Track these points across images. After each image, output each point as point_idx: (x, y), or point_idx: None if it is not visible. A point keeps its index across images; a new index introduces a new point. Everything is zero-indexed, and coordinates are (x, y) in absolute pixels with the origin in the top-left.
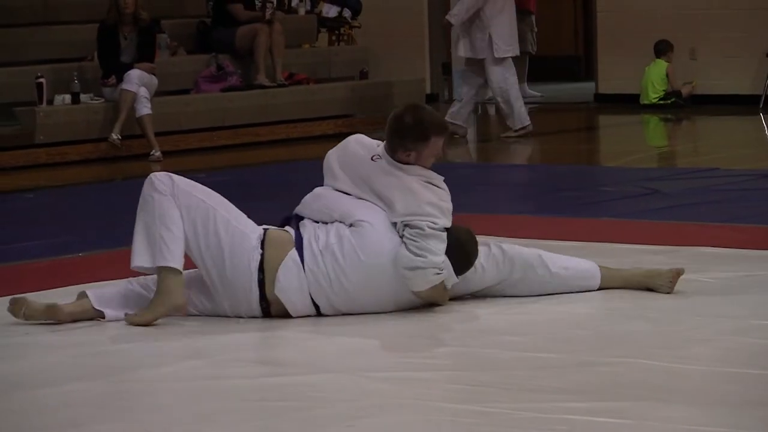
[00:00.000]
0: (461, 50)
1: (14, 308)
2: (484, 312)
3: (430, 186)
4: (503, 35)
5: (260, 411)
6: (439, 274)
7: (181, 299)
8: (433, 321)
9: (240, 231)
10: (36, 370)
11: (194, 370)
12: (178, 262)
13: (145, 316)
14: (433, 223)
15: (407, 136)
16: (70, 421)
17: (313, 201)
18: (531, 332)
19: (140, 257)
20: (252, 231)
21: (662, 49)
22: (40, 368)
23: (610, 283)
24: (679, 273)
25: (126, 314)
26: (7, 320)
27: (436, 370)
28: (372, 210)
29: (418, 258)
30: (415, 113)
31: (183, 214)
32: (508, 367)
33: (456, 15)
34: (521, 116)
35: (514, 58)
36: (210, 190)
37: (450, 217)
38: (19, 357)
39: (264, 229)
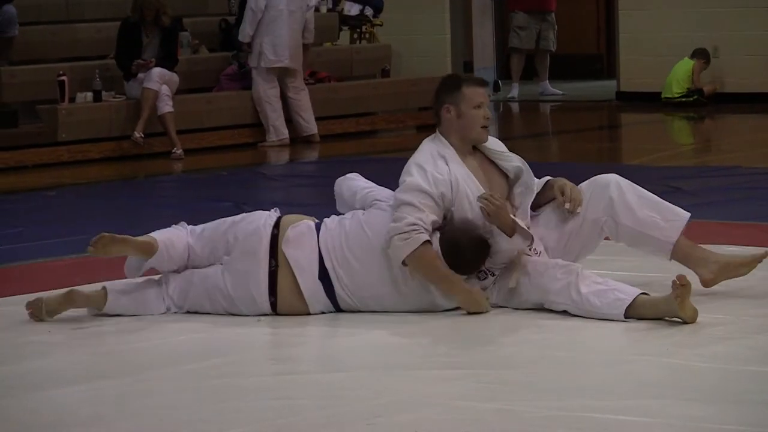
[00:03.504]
0: (251, 60)
1: (34, 311)
2: (506, 311)
3: (437, 157)
4: (273, 45)
5: (281, 409)
6: (407, 239)
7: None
8: (455, 319)
9: (249, 218)
10: (57, 368)
11: (215, 369)
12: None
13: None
14: (403, 181)
15: (441, 90)
16: (90, 418)
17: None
18: (553, 331)
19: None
20: (266, 214)
21: (697, 52)
22: (61, 366)
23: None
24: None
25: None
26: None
27: (458, 368)
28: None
29: (389, 233)
30: (450, 77)
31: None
32: (530, 366)
33: (242, 31)
34: (277, 130)
35: (536, 56)
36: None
37: (434, 187)
38: (41, 355)
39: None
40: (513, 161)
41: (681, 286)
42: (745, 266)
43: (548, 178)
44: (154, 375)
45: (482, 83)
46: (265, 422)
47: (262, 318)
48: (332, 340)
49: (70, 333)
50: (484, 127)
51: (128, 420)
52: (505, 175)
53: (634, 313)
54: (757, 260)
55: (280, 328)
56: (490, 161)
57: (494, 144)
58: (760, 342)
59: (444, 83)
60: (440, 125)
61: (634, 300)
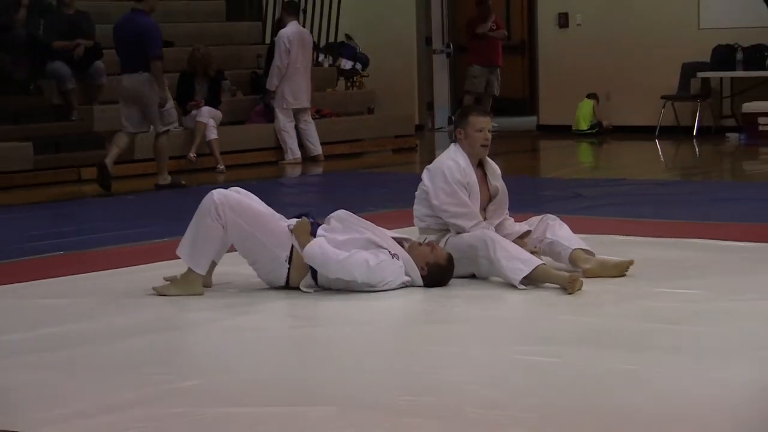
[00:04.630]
0: (275, 102)
1: (160, 290)
2: (462, 283)
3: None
4: (291, 90)
5: (295, 354)
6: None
7: (199, 290)
8: (429, 295)
9: (271, 252)
10: (133, 323)
11: (246, 324)
12: (203, 270)
13: (169, 289)
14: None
15: (457, 118)
16: (160, 360)
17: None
18: (498, 298)
19: (183, 250)
20: (282, 251)
21: (590, 95)
22: (137, 322)
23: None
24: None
25: (154, 287)
26: (134, 286)
27: (426, 324)
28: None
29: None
30: (464, 108)
31: (227, 231)
32: (480, 323)
33: (270, 81)
34: (293, 152)
35: (483, 98)
36: (257, 212)
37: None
38: (123, 315)
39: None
40: (498, 182)
41: (573, 281)
42: (616, 268)
43: (529, 229)
44: (201, 329)
45: (485, 113)
46: (282, 367)
47: (288, 289)
48: (337, 302)
49: (147, 298)
50: (484, 145)
51: (183, 360)
52: (488, 191)
53: (531, 278)
54: (625, 267)
55: (299, 298)
56: (485, 178)
57: (494, 165)
58: (639, 305)
59: (459, 113)
60: (456, 143)
61: (532, 270)
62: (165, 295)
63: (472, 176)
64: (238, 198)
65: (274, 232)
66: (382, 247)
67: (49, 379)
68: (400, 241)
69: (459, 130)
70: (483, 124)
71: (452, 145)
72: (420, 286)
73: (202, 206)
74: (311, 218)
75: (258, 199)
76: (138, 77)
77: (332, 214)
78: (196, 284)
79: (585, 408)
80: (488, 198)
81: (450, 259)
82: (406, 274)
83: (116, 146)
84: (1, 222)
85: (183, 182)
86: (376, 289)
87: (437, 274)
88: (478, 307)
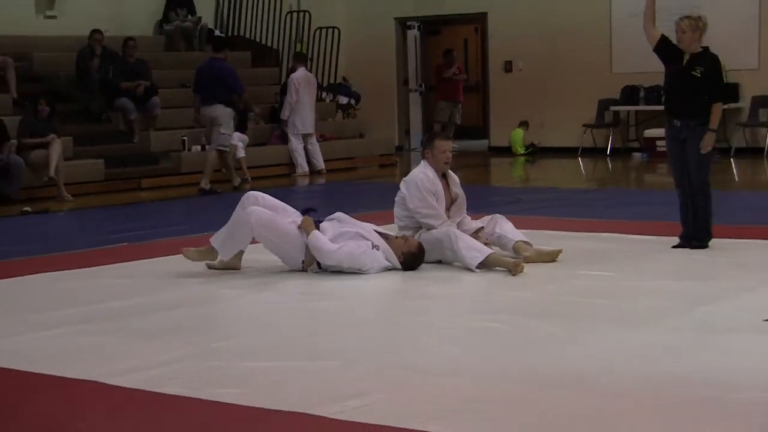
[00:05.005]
0: (288, 129)
1: (186, 254)
2: (431, 267)
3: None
4: (300, 119)
5: (303, 321)
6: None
7: (213, 257)
8: (405, 274)
9: (292, 257)
10: (186, 295)
11: (270, 298)
12: (225, 257)
13: (191, 253)
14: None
15: (425, 141)
16: (179, 331)
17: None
18: (459, 278)
19: (217, 241)
20: (299, 254)
21: (522, 123)
22: (170, 299)
23: (493, 264)
24: (518, 264)
25: (185, 249)
26: (179, 270)
27: (404, 298)
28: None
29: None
30: (431, 133)
31: (255, 233)
32: (445, 298)
33: (282, 112)
34: (302, 166)
35: (448, 126)
36: (281, 226)
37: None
38: (176, 288)
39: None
40: (458, 189)
41: (517, 265)
42: (549, 255)
43: (482, 225)
44: (231, 302)
45: (447, 138)
46: (298, 328)
47: (298, 271)
48: (337, 282)
49: (188, 279)
50: (446, 162)
51: (217, 326)
52: (450, 197)
53: (484, 263)
54: (555, 254)
55: (308, 278)
56: (448, 187)
57: (454, 176)
58: (568, 284)
59: (427, 137)
60: (425, 160)
61: (485, 258)
62: (187, 257)
63: (438, 185)
64: (268, 217)
65: (293, 240)
66: (367, 239)
67: (110, 342)
68: (385, 235)
69: (427, 151)
70: (446, 147)
71: (423, 161)
72: (399, 270)
73: (240, 219)
74: (315, 214)
75: (274, 199)
76: (214, 108)
77: (333, 215)
78: (211, 257)
79: (526, 363)
80: (451, 202)
81: (421, 247)
82: (387, 260)
83: (209, 165)
84: (80, 221)
85: (218, 190)
86: (361, 271)
87: (411, 260)
88: (443, 286)
